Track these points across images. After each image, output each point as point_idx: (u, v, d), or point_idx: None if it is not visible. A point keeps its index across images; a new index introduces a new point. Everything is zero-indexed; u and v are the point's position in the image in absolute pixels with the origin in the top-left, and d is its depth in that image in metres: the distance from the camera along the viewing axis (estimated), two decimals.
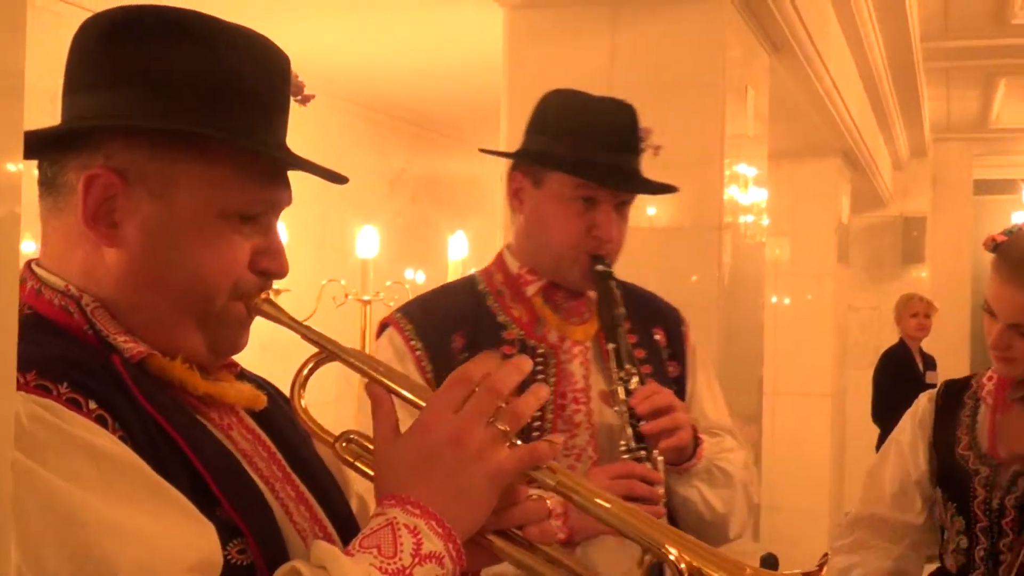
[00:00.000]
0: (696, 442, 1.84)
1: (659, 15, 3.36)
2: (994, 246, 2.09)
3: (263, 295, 1.09)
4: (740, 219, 3.72)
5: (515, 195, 1.91)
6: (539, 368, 1.76)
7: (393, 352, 1.71)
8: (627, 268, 3.29)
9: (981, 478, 2.07)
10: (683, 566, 0.99)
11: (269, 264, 1.08)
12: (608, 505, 1.07)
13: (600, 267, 1.83)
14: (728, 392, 3.37)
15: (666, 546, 1.02)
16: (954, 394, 2.22)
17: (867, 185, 7.11)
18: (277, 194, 1.09)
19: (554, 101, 1.90)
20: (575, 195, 1.82)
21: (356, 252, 4.02)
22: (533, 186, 1.86)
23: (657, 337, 1.95)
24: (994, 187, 10.36)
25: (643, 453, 1.74)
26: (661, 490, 1.73)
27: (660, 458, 1.76)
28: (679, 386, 1.92)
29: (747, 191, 3.78)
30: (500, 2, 3.46)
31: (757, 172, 3.93)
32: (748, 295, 3.85)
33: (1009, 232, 2.11)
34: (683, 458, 1.83)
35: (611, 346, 1.80)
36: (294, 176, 1.09)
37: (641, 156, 1.91)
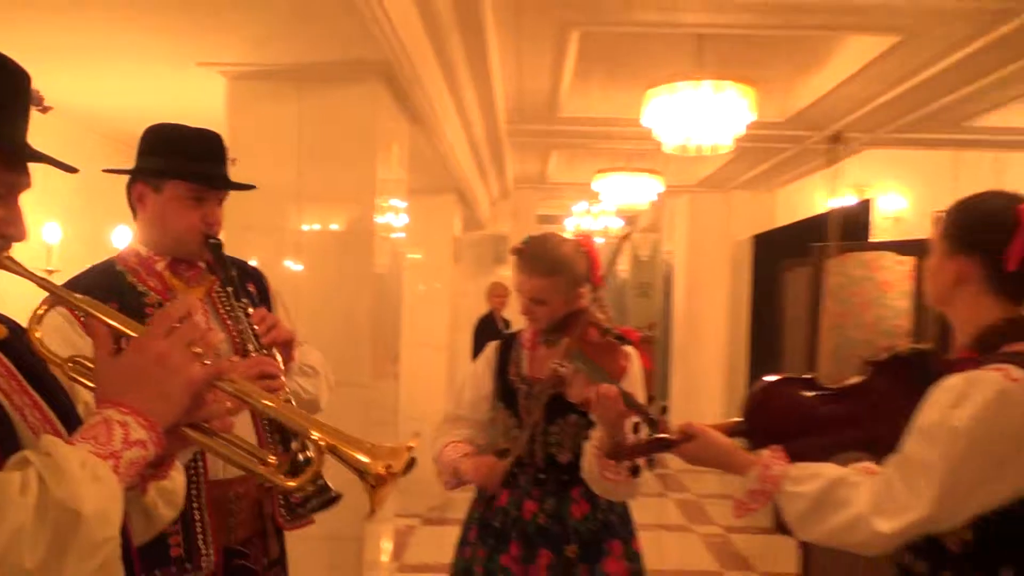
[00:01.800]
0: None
1: (332, 90, 3.41)
2: (517, 250, 2.18)
3: (5, 253, 1.03)
4: (391, 235, 3.86)
5: (139, 200, 1.85)
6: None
7: (63, 319, 1.58)
8: (321, 263, 3.41)
9: (523, 391, 2.17)
10: (323, 444, 0.99)
11: (8, 229, 1.02)
12: (271, 404, 1.06)
13: (213, 241, 1.84)
14: (379, 344, 3.52)
15: (311, 431, 1.00)
16: (508, 341, 2.30)
17: (472, 213, 7.47)
18: (18, 178, 1.02)
19: (162, 131, 1.85)
20: (190, 195, 1.81)
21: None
22: (154, 192, 1.82)
23: (251, 288, 1.95)
24: (549, 219, 11.16)
25: (265, 352, 1.78)
26: (282, 377, 1.76)
27: (278, 355, 1.81)
28: None
29: (393, 215, 3.89)
30: (223, 74, 3.37)
31: (399, 203, 4.04)
32: (392, 283, 3.95)
33: (525, 242, 2.19)
34: (288, 357, 1.87)
35: (230, 289, 1.82)
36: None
37: (228, 166, 1.94)
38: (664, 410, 1.80)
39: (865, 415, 1.58)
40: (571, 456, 2.09)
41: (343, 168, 3.40)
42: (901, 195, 6.83)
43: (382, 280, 3.64)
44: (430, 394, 5.99)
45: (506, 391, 2.21)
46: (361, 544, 3.35)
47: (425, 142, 4.51)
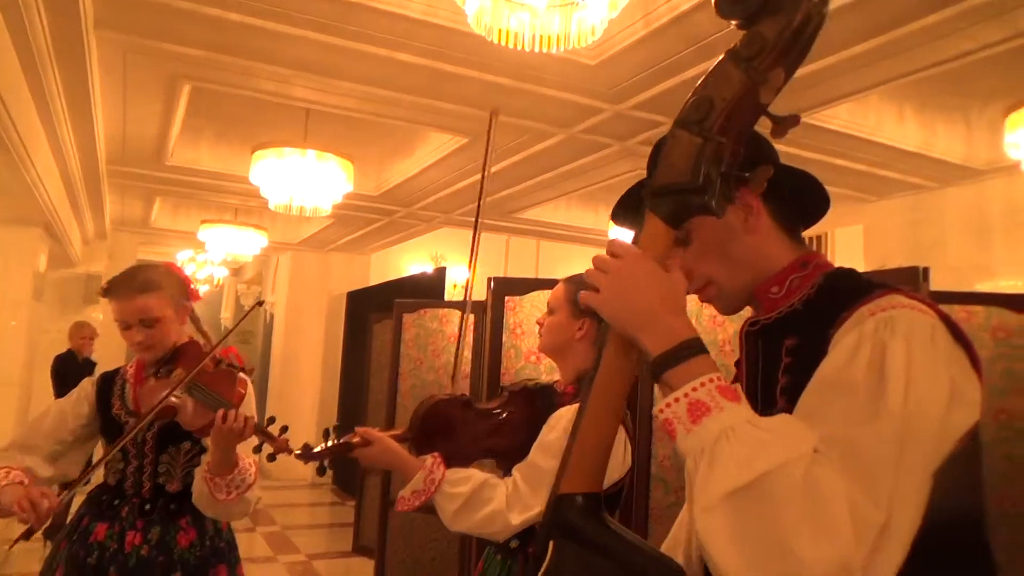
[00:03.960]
0: None
1: None
2: (105, 288, 1.94)
3: None
4: None
5: None
6: None
7: None
8: None
9: (130, 425, 1.90)
10: None
11: None
12: None
13: None
14: None
15: None
16: (107, 377, 2.05)
17: (63, 250, 6.43)
18: None
19: None
20: None
21: None
22: None
23: None
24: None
25: None
26: None
27: None
28: None
29: None
30: None
31: None
32: None
33: (111, 280, 1.95)
34: None
35: None
36: None
37: None
38: (284, 429, 1.77)
39: (502, 430, 1.76)
40: (179, 485, 1.93)
41: None
42: (465, 265, 7.53)
43: None
44: None
45: (110, 426, 1.96)
46: None
47: (6, 168, 3.80)
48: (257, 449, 1.77)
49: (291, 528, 6.46)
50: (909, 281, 2.37)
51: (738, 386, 0.81)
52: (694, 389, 0.78)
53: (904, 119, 4.10)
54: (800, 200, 1.03)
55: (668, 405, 0.79)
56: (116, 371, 2.06)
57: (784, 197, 1.00)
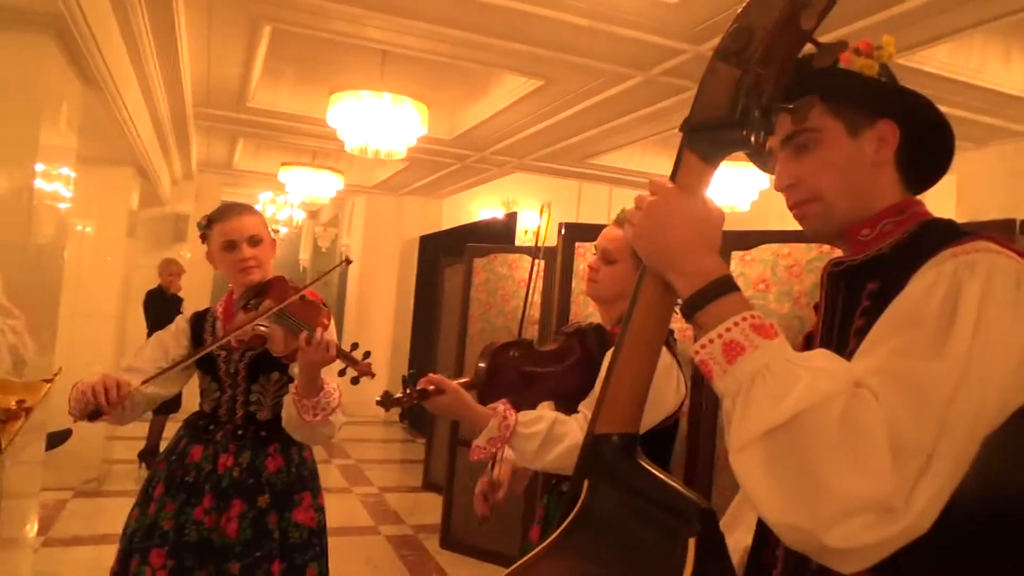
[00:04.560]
0: None
1: None
2: (212, 216, 2.08)
3: None
4: (56, 204, 3.24)
5: None
6: None
7: None
8: None
9: (222, 356, 2.03)
10: None
11: None
12: None
13: None
14: (33, 314, 2.99)
15: None
16: (200, 315, 2.14)
17: (153, 189, 6.69)
18: None
19: None
20: None
21: None
22: None
23: None
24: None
25: None
26: None
27: None
28: None
29: (60, 184, 3.29)
30: None
31: (67, 171, 3.42)
32: (53, 253, 3.32)
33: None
34: None
35: None
36: None
37: None
38: (367, 355, 1.83)
39: (562, 371, 1.77)
40: (269, 414, 2.03)
41: None
42: (536, 211, 7.52)
43: (41, 250, 3.10)
44: (97, 361, 5.24)
45: (205, 359, 2.04)
46: None
47: (101, 109, 3.93)
48: (341, 373, 1.83)
49: (364, 462, 6.74)
50: (1004, 232, 2.25)
51: (773, 322, 0.78)
52: (728, 329, 0.77)
53: (1011, 60, 3.80)
54: (931, 152, 0.99)
55: (703, 346, 0.78)
56: (207, 310, 2.16)
57: (918, 143, 0.97)
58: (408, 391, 1.65)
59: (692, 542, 0.70)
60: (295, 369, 1.92)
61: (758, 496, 0.72)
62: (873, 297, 0.90)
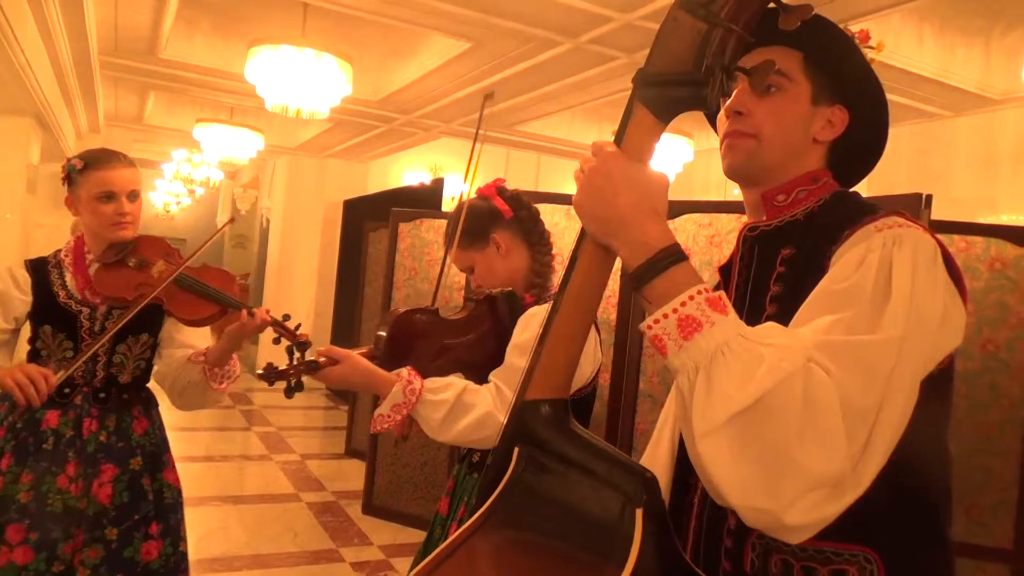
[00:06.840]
0: None
1: None
2: (84, 157, 1.90)
3: None
4: None
5: None
6: None
7: None
8: None
9: (85, 313, 1.89)
10: None
11: None
12: None
13: None
14: None
15: None
16: (41, 265, 1.92)
17: (56, 143, 6.27)
18: None
19: None
20: None
21: None
22: None
23: None
24: (146, 163, 9.89)
25: None
26: None
27: None
28: None
29: None
30: None
31: None
32: None
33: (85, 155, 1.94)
34: None
35: None
36: None
37: None
38: (299, 325, 1.86)
39: (471, 339, 1.68)
40: (130, 377, 1.96)
41: None
42: (462, 177, 7.42)
43: None
44: None
45: (57, 314, 1.88)
46: None
47: None
48: (276, 341, 1.81)
49: (286, 429, 6.61)
50: (910, 207, 2.34)
51: (723, 294, 0.77)
52: (683, 304, 0.74)
53: (923, 41, 3.95)
54: (858, 161, 1.04)
55: (657, 321, 0.76)
56: (44, 259, 1.95)
57: (854, 146, 1.01)
58: (294, 363, 1.54)
59: (639, 512, 0.69)
60: (168, 332, 1.95)
61: (723, 480, 0.71)
62: (787, 263, 0.93)
